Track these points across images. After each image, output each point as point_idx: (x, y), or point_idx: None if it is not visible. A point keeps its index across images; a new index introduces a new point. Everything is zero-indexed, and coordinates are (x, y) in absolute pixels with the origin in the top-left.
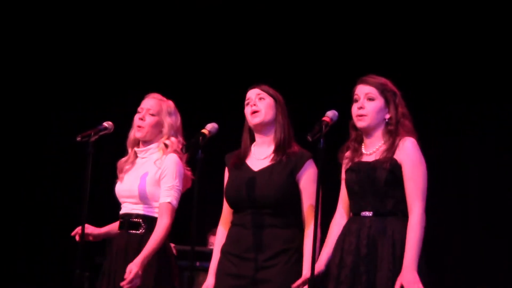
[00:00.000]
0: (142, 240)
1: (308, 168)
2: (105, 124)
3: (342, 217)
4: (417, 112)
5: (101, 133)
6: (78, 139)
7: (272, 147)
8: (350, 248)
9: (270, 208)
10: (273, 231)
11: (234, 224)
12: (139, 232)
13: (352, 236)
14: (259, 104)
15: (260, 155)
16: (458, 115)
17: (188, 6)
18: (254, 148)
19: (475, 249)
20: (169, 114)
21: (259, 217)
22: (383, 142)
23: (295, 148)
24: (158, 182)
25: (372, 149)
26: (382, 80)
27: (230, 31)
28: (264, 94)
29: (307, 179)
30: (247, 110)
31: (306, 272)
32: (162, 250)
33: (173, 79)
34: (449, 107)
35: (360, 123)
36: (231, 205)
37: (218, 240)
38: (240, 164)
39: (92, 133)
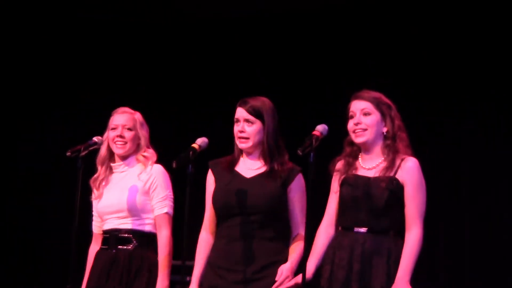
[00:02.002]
0: (132, 255)
1: (298, 181)
2: (95, 139)
3: (329, 226)
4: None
5: (90, 148)
6: (68, 154)
7: (261, 160)
8: (342, 263)
9: (260, 216)
10: (261, 243)
11: (221, 236)
12: (129, 247)
13: (343, 251)
14: (247, 130)
15: (252, 166)
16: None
17: (179, 17)
18: (243, 159)
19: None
20: (141, 125)
21: (247, 227)
22: (383, 158)
23: (287, 160)
24: (147, 194)
25: (372, 164)
26: (376, 94)
27: (221, 42)
28: (252, 118)
29: (297, 192)
30: (235, 131)
31: (286, 272)
32: (153, 265)
33: (162, 94)
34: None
35: (358, 139)
36: (219, 211)
37: (201, 247)
38: (230, 171)
39: (82, 148)
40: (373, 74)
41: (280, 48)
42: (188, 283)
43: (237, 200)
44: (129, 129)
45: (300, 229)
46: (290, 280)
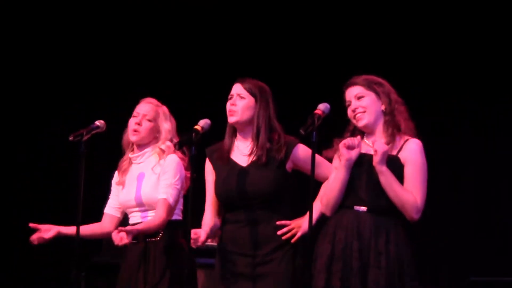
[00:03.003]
0: (161, 246)
1: (297, 151)
2: (97, 123)
3: None
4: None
5: (93, 132)
6: (71, 138)
7: (254, 142)
8: (342, 241)
9: (264, 203)
10: (268, 227)
11: (228, 222)
12: (158, 238)
13: (343, 230)
14: (238, 104)
15: (244, 151)
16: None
17: (179, 5)
18: (237, 142)
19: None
20: (165, 119)
21: (253, 213)
22: (384, 136)
23: (281, 138)
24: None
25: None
26: (366, 76)
27: (224, 28)
28: (245, 93)
29: (303, 156)
30: (227, 107)
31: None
32: (181, 255)
33: (165, 75)
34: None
35: (360, 122)
36: (223, 202)
37: (206, 218)
38: (226, 160)
39: (84, 133)
40: (373, 56)
41: (283, 32)
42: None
43: (238, 192)
44: (149, 120)
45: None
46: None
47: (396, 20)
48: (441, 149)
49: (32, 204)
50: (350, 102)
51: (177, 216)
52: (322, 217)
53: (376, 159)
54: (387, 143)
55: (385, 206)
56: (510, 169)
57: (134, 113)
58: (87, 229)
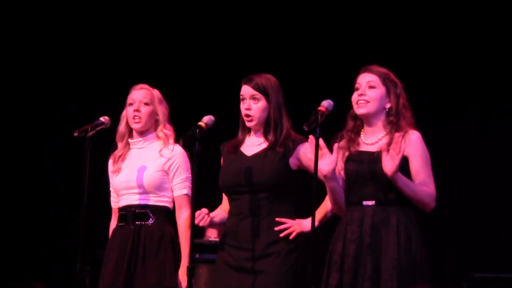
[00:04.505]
0: (153, 230)
1: (302, 149)
2: (102, 119)
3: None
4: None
5: (98, 128)
6: (75, 134)
7: (264, 135)
8: (353, 237)
9: (266, 193)
10: (268, 220)
11: (231, 215)
12: (149, 222)
13: (354, 225)
14: (252, 107)
15: (254, 142)
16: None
17: (184, 3)
18: (248, 138)
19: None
20: (160, 102)
21: (254, 204)
22: (385, 133)
23: (291, 134)
24: (166, 172)
25: (374, 139)
26: (385, 70)
27: (227, 23)
28: (258, 95)
29: (306, 158)
30: (241, 109)
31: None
32: (175, 237)
33: (168, 72)
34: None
35: (360, 110)
36: (225, 191)
37: (218, 209)
38: (235, 151)
39: (89, 128)
40: (379, 52)
41: (287, 27)
42: (197, 260)
43: (238, 179)
44: (146, 103)
45: None
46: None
47: (398, 16)
48: (442, 145)
49: (37, 199)
50: (360, 86)
51: (168, 204)
52: (334, 216)
53: (390, 178)
54: (388, 143)
55: (393, 198)
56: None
57: (130, 101)
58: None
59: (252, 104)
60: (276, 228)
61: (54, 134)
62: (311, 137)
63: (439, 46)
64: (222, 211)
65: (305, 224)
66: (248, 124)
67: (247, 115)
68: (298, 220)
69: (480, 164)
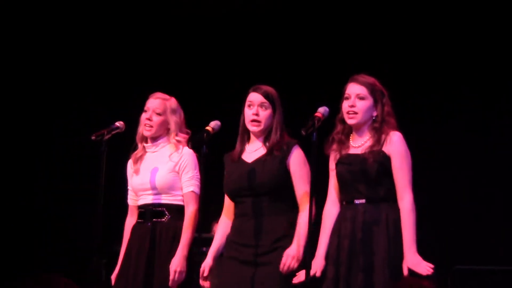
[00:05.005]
0: (168, 226)
1: (294, 152)
2: (117, 123)
3: (333, 205)
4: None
5: (113, 132)
6: (93, 138)
7: (262, 141)
8: (346, 233)
9: (267, 195)
10: (272, 219)
11: (236, 216)
12: (164, 219)
13: (347, 222)
14: (261, 114)
15: (252, 148)
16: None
17: (191, 12)
18: (247, 146)
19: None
20: (173, 112)
21: (258, 205)
22: (369, 136)
23: (284, 138)
24: (177, 174)
25: (360, 143)
26: (371, 79)
27: (231, 35)
28: (266, 103)
29: (295, 162)
30: (247, 114)
31: (294, 252)
32: (178, 234)
33: (178, 80)
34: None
35: (350, 121)
36: (230, 196)
37: (220, 227)
38: (237, 160)
39: (105, 132)
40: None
41: (285, 40)
42: (204, 253)
43: (241, 184)
44: (158, 114)
45: (303, 202)
46: (297, 260)
47: (380, 23)
48: (425, 139)
49: (58, 198)
50: (350, 97)
51: (182, 202)
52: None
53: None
54: (373, 145)
55: (381, 195)
56: (494, 160)
57: (145, 108)
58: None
59: (261, 110)
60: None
61: (73, 137)
62: None
63: (439, 46)
64: (220, 237)
65: (291, 252)
66: (254, 128)
67: (255, 120)
68: (286, 253)
69: (463, 161)
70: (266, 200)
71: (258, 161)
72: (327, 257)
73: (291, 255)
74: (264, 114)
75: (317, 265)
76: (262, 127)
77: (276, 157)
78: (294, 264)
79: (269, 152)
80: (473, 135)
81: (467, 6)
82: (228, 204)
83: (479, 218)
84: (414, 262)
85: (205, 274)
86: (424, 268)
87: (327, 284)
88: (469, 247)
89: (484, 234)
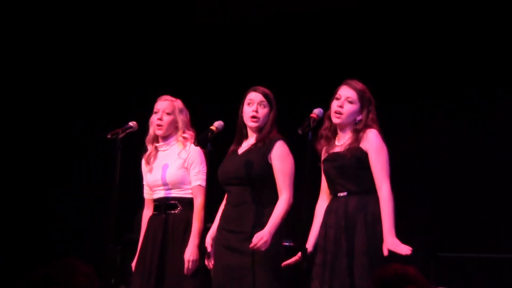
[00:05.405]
0: (180, 217)
1: (276, 146)
2: (131, 123)
3: (324, 200)
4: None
5: (127, 131)
6: (108, 136)
7: (256, 136)
8: (332, 223)
9: (250, 185)
10: (255, 208)
11: (225, 204)
12: (176, 211)
13: (332, 214)
14: (259, 111)
15: (248, 143)
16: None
17: (197, 23)
18: (245, 141)
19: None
20: (180, 111)
21: (241, 195)
22: (350, 136)
23: (272, 133)
24: (186, 170)
25: (342, 141)
26: (362, 86)
27: (233, 41)
28: (265, 103)
29: (276, 157)
30: (247, 111)
31: (263, 234)
32: (190, 225)
33: (185, 84)
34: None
35: (335, 120)
36: (221, 184)
37: (220, 210)
38: (231, 154)
39: (120, 131)
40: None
41: (283, 47)
42: None
43: (228, 174)
44: (168, 113)
45: (283, 193)
46: (264, 243)
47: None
48: (406, 127)
49: (76, 191)
50: (340, 98)
51: (191, 195)
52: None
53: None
54: (351, 143)
55: (361, 187)
56: (476, 147)
57: (155, 110)
58: None
59: (260, 108)
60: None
61: (90, 135)
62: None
63: (439, 47)
64: (218, 218)
65: (261, 233)
66: (252, 124)
67: (254, 116)
68: (263, 234)
69: (444, 152)
70: (249, 190)
71: (244, 153)
72: (316, 246)
73: (259, 237)
74: (263, 111)
75: (299, 253)
76: (260, 123)
77: (260, 150)
78: (262, 246)
79: (255, 144)
80: (453, 128)
81: (463, 9)
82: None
83: (459, 209)
84: (393, 243)
85: (208, 250)
86: (404, 249)
87: (316, 269)
88: (450, 236)
89: (464, 224)
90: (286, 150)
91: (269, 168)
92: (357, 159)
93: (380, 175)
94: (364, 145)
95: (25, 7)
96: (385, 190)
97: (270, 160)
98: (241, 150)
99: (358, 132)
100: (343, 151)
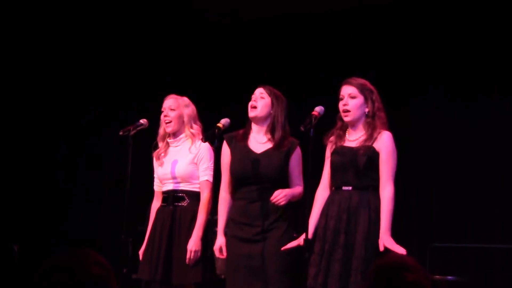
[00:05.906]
0: (186, 210)
1: (297, 152)
2: (141, 121)
3: (325, 189)
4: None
5: (138, 128)
6: (120, 133)
7: (268, 135)
8: (333, 214)
9: (270, 182)
10: (273, 203)
11: (241, 198)
12: (184, 204)
13: (335, 205)
14: (258, 102)
15: (260, 140)
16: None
17: (208, 24)
18: (253, 133)
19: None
20: (186, 106)
21: (261, 191)
22: (364, 132)
23: (289, 137)
24: (196, 165)
25: (355, 137)
26: (362, 80)
27: (240, 43)
28: (265, 94)
29: (296, 160)
30: (249, 104)
31: (287, 191)
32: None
33: (194, 83)
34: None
35: (346, 118)
36: (237, 180)
37: (222, 204)
38: (243, 147)
39: (131, 129)
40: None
41: (288, 48)
42: (215, 232)
43: (251, 172)
44: (173, 109)
45: (298, 185)
46: (284, 196)
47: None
48: (407, 121)
49: (91, 185)
50: (343, 97)
51: (198, 189)
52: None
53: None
54: (365, 140)
55: (366, 184)
56: (470, 136)
57: (162, 109)
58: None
59: (259, 99)
60: (272, 198)
61: (104, 132)
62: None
63: (439, 47)
64: (226, 214)
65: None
66: (250, 114)
67: (252, 106)
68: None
69: (437, 146)
70: (268, 187)
71: (265, 153)
72: (315, 235)
73: (284, 192)
74: (261, 102)
75: (301, 238)
76: (257, 113)
77: (282, 153)
78: (281, 200)
79: (276, 147)
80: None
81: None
82: (228, 181)
83: (454, 201)
84: (387, 240)
85: (224, 253)
86: (398, 249)
87: (314, 257)
88: (445, 227)
89: (458, 215)
90: (301, 153)
91: (287, 168)
92: (368, 158)
93: (386, 175)
94: (377, 145)
95: (39, 5)
96: (389, 190)
97: (289, 161)
98: (257, 148)
99: (371, 126)
100: (357, 147)
